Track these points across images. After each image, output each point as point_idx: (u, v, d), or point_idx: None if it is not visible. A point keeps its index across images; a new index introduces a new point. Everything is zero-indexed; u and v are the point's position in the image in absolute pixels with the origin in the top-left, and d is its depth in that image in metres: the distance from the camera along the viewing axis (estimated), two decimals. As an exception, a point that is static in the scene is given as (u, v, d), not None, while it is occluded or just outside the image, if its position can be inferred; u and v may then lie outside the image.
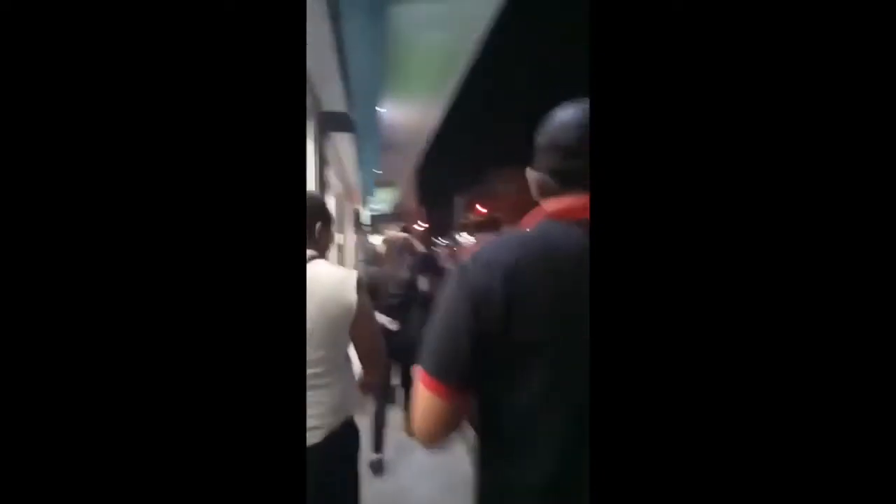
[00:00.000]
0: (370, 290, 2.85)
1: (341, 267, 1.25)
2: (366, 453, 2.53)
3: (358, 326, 1.18)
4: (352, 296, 1.17)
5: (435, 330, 0.65)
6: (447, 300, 0.65)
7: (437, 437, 0.66)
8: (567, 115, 0.69)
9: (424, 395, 0.64)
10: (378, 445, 2.77)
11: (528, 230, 0.68)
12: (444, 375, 0.63)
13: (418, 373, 0.65)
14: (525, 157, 0.75)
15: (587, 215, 0.61)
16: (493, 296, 0.60)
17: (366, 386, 1.32)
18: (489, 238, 0.69)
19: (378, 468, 2.73)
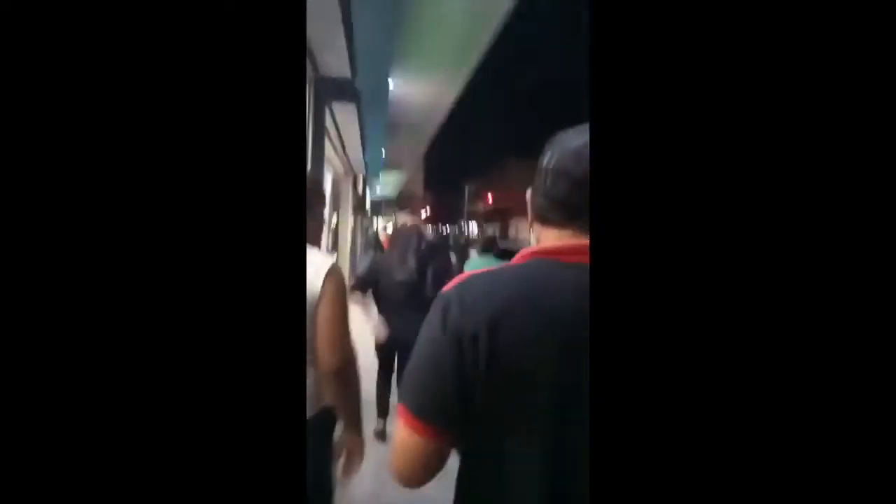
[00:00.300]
0: (372, 277, 2.88)
1: (320, 253, 1.23)
2: (371, 422, 2.73)
3: (316, 313, 1.16)
4: (318, 283, 1.15)
5: (419, 368, 0.65)
6: (431, 339, 0.65)
7: (418, 478, 0.66)
8: (582, 141, 0.65)
9: (407, 435, 0.65)
10: (382, 412, 2.92)
11: (518, 267, 0.67)
12: (429, 415, 0.63)
13: (400, 411, 0.65)
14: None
15: (586, 259, 0.58)
16: (478, 342, 0.60)
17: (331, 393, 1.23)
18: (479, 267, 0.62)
19: (382, 436, 2.86)
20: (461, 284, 0.65)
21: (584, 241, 0.63)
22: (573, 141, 0.65)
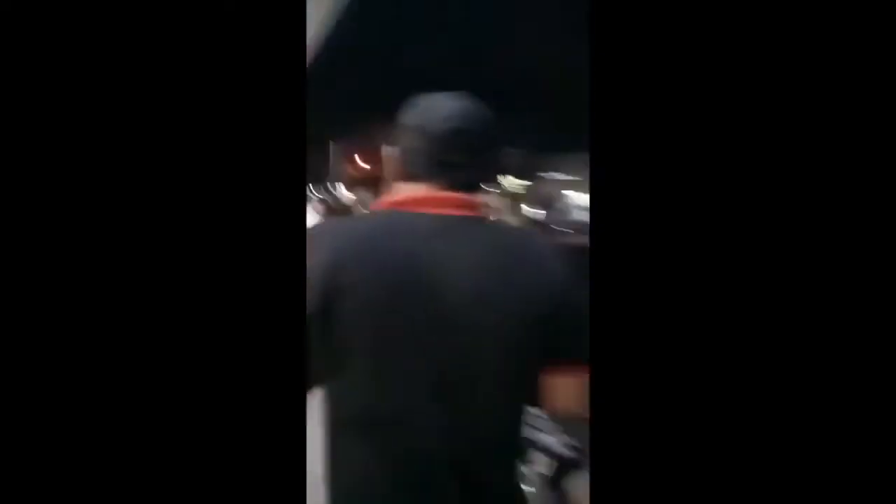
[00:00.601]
0: None
1: None
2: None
3: None
4: None
5: None
6: None
7: None
8: (443, 105, 0.74)
9: None
10: None
11: (370, 216, 0.78)
12: None
13: None
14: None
15: (440, 209, 0.71)
16: (318, 280, 0.65)
17: None
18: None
19: None
20: (311, 229, 0.72)
21: (437, 193, 0.72)
22: (434, 101, 0.76)
